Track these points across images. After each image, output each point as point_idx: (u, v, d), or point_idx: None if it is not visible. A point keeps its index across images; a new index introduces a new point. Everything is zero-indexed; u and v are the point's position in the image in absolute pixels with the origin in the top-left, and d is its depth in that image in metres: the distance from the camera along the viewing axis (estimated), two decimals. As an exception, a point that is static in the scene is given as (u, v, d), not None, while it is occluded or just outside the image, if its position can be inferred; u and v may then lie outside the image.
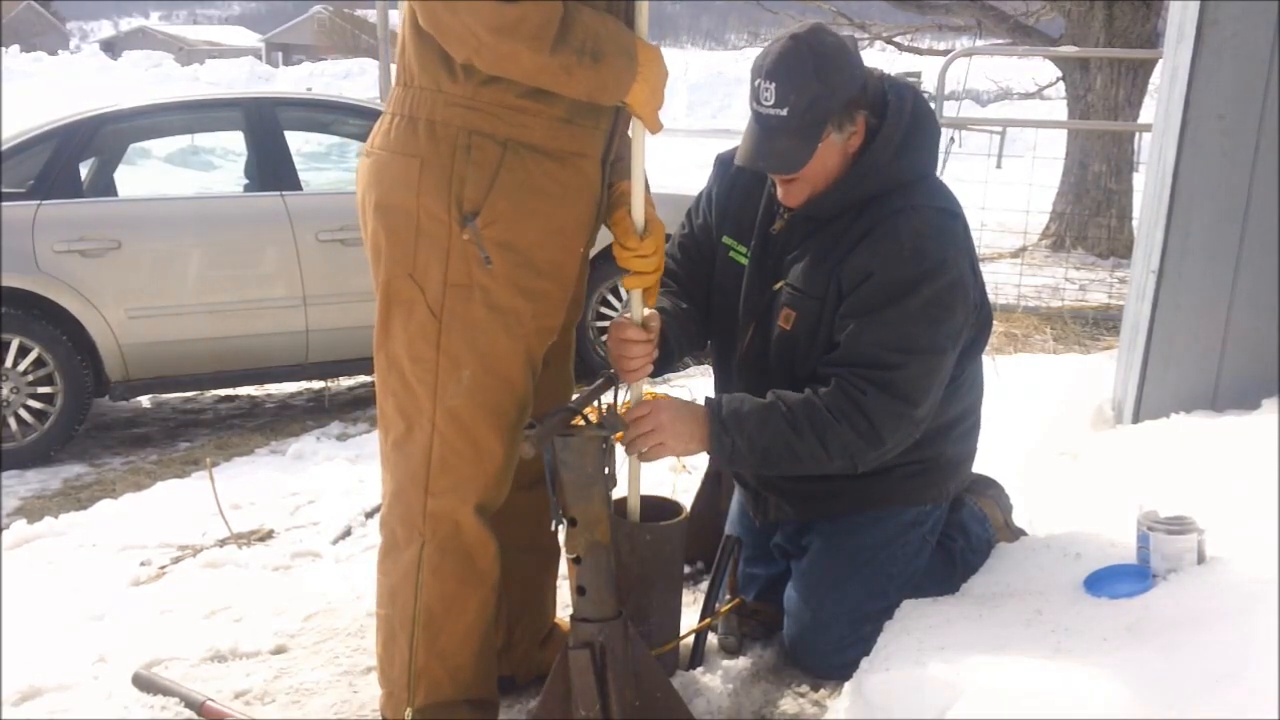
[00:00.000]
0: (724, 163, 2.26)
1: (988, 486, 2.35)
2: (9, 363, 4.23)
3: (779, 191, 2.07)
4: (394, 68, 1.85)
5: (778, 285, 2.09)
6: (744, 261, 2.16)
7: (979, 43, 10.82)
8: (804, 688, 2.13)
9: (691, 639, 2.19)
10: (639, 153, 1.86)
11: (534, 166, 1.75)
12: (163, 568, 2.96)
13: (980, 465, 2.32)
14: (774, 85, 1.91)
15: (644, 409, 1.96)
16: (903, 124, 2.00)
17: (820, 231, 2.05)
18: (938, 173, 2.13)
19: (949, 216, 2.01)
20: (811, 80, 1.91)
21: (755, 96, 1.96)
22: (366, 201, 1.81)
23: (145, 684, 2.21)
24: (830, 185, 2.01)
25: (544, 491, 2.10)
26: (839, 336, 1.99)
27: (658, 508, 2.14)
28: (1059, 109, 11.19)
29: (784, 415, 1.94)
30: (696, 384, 3.97)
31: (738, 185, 2.20)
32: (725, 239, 2.20)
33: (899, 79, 2.08)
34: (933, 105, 2.92)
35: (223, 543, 3.11)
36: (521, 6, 1.59)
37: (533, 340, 1.83)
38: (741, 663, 2.19)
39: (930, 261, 1.94)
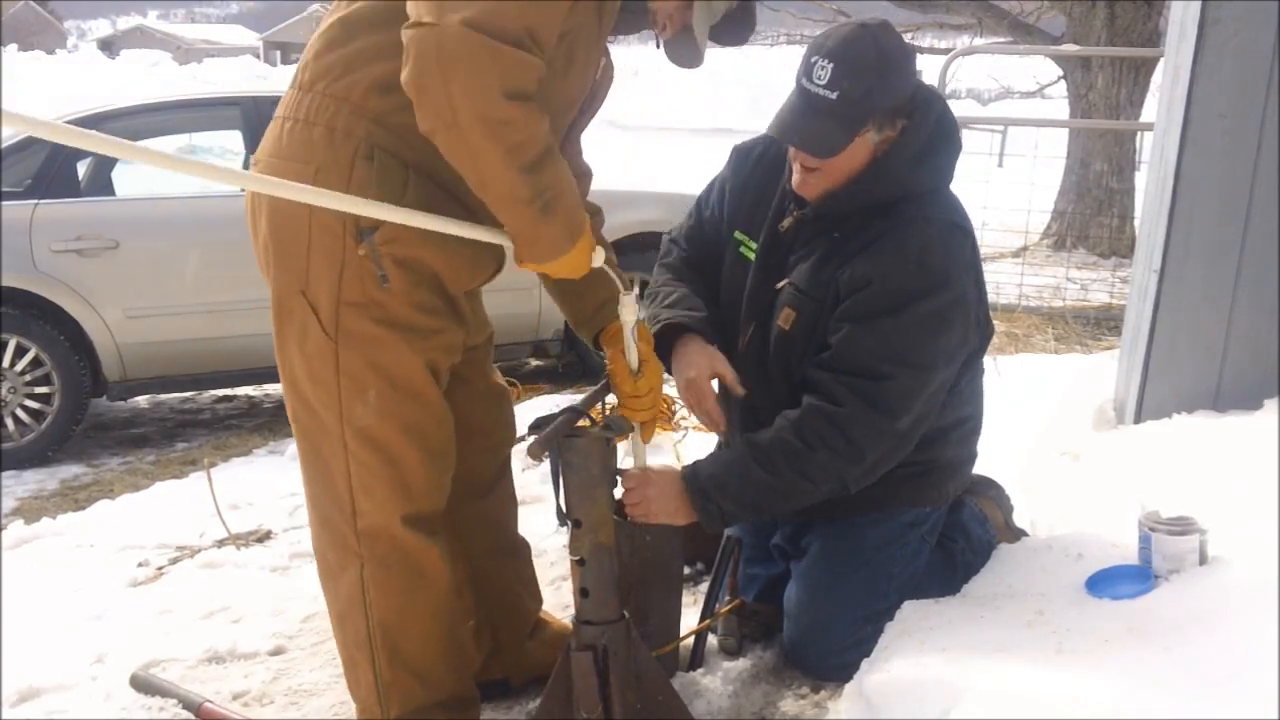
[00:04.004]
0: (742, 154, 2.22)
1: (988, 487, 2.35)
2: (6, 362, 4.22)
3: (795, 179, 2.03)
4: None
5: (781, 284, 2.07)
6: (753, 258, 2.14)
7: (980, 41, 10.80)
8: (804, 689, 2.12)
9: (691, 640, 2.18)
10: (629, 300, 1.80)
11: (438, 195, 1.67)
12: (161, 568, 2.95)
13: (981, 466, 2.31)
14: (832, 66, 1.87)
15: (632, 481, 1.98)
16: (926, 131, 1.97)
17: (828, 233, 2.03)
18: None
19: (960, 232, 1.98)
20: (871, 73, 1.87)
21: (807, 72, 1.90)
22: (258, 211, 1.72)
23: (143, 685, 2.20)
24: (845, 184, 1.99)
25: (501, 498, 2.08)
26: (832, 339, 1.97)
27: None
28: (1060, 108, 11.19)
29: (758, 462, 1.93)
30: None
31: (754, 180, 2.17)
32: (737, 234, 2.17)
33: (931, 87, 2.05)
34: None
35: (221, 543, 3.10)
36: (521, 108, 1.49)
37: (436, 354, 1.76)
38: (741, 664, 2.18)
39: (935, 276, 1.92)
